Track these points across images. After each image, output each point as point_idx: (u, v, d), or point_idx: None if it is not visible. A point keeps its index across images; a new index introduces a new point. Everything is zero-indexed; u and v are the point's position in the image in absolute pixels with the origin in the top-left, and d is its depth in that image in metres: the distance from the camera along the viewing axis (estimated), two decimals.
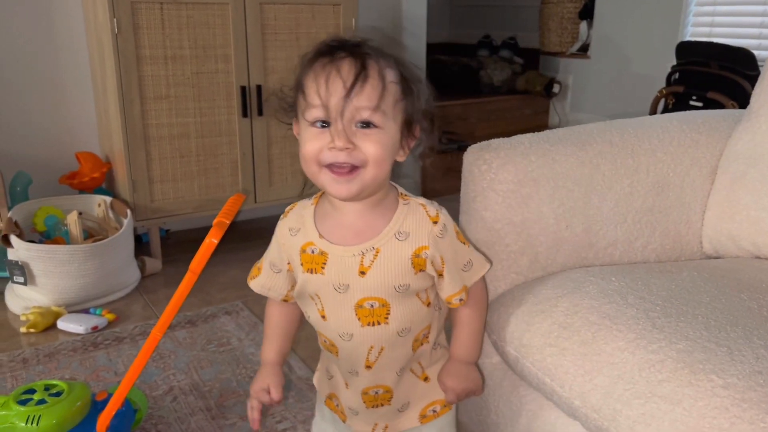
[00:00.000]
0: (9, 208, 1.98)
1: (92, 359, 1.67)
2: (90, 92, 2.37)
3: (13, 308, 1.93)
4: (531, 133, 1.14)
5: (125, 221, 2.04)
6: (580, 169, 1.10)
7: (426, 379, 0.95)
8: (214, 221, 1.03)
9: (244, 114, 2.23)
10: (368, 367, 0.89)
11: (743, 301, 0.92)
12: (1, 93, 2.24)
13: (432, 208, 0.85)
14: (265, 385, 0.96)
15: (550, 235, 1.09)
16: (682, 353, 0.79)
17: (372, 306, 0.84)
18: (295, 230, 0.87)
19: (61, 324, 1.82)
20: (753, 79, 2.61)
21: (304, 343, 1.68)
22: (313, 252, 0.84)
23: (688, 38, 3.31)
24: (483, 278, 0.93)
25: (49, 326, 1.83)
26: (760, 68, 2.47)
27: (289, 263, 0.89)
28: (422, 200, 0.86)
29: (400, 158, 0.83)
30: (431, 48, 3.47)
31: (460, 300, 0.89)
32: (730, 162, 1.20)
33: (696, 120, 1.26)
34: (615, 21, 3.65)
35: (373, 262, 0.82)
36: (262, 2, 2.18)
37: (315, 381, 1.04)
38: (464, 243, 0.89)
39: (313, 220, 0.86)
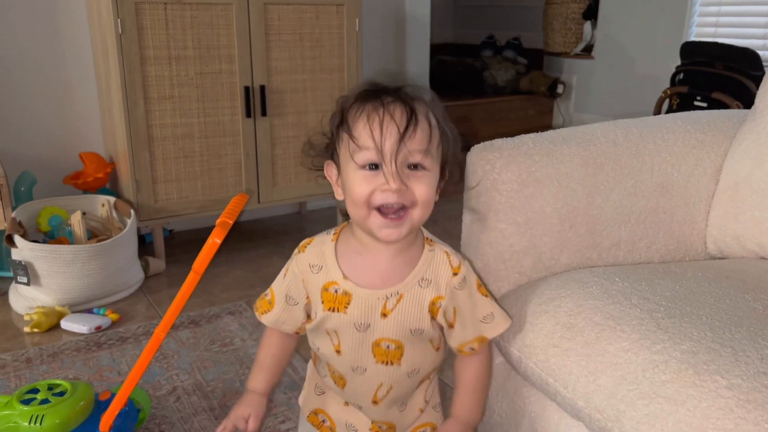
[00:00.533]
0: (13, 208, 1.99)
1: (96, 359, 1.67)
2: (94, 92, 2.37)
3: (17, 308, 1.93)
4: (534, 133, 1.14)
5: (129, 221, 2.05)
6: (584, 170, 1.10)
7: (422, 410, 0.97)
8: (217, 221, 1.03)
9: (248, 114, 2.23)
10: (375, 402, 0.91)
11: (748, 301, 0.91)
12: (6, 93, 2.24)
13: (455, 258, 0.87)
14: (247, 414, 0.95)
15: (554, 235, 1.08)
16: (687, 354, 0.79)
17: (388, 347, 0.86)
18: (317, 267, 0.87)
19: (65, 324, 1.83)
20: (758, 79, 2.60)
21: (307, 344, 1.68)
22: (336, 292, 0.85)
23: (692, 38, 3.30)
24: (491, 344, 0.95)
25: (52, 326, 1.83)
26: (765, 68, 2.47)
27: (308, 297, 0.89)
28: (446, 248, 0.88)
29: (435, 199, 0.85)
30: (435, 48, 3.47)
31: (471, 349, 0.90)
32: (735, 162, 1.19)
33: (700, 120, 1.25)
34: (619, 21, 3.64)
35: (395, 306, 0.84)
36: (266, 2, 2.18)
37: (301, 400, 1.03)
38: (485, 296, 0.89)
39: (335, 259, 0.86)
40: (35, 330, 1.80)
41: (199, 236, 2.53)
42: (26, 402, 1.17)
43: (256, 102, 2.23)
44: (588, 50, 3.90)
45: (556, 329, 0.93)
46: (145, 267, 2.17)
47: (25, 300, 1.92)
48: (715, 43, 2.84)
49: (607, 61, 3.73)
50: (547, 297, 0.99)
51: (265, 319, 0.94)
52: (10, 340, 1.77)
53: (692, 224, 1.20)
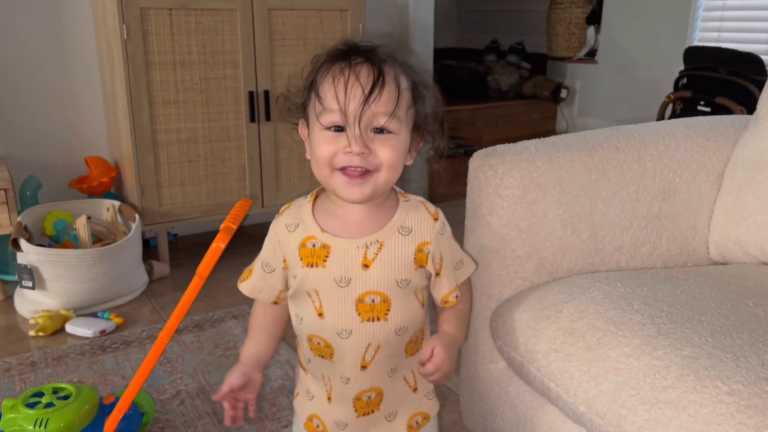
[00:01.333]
0: (19, 212, 2.00)
1: (100, 363, 1.68)
2: (99, 97, 2.39)
3: (22, 312, 1.94)
4: (537, 139, 1.14)
5: (133, 225, 2.06)
6: (586, 175, 1.11)
7: (415, 390, 0.95)
8: (222, 226, 1.03)
9: (252, 119, 2.24)
10: (363, 367, 0.88)
11: (749, 307, 0.91)
12: (12, 98, 2.26)
13: (431, 206, 0.88)
14: (241, 383, 0.91)
15: (556, 240, 1.09)
16: (688, 359, 0.79)
17: (373, 301, 0.84)
18: (293, 226, 0.87)
19: (70, 327, 1.83)
20: (761, 84, 2.60)
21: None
22: (314, 246, 0.84)
23: (696, 43, 3.30)
24: (468, 280, 0.97)
25: (57, 330, 1.84)
26: None
27: (284, 260, 0.88)
28: (420, 198, 0.89)
29: (408, 162, 0.85)
30: (439, 53, 3.47)
31: (456, 297, 0.91)
32: (737, 168, 1.19)
33: (702, 125, 1.26)
34: (622, 26, 3.64)
35: (376, 255, 0.83)
36: (270, 8, 2.19)
37: (296, 405, 1.02)
38: (455, 242, 0.91)
39: (312, 216, 0.86)
40: (40, 333, 1.81)
41: (203, 240, 2.54)
42: (31, 405, 1.18)
43: (260, 107, 2.24)
44: (591, 55, 3.90)
45: (558, 334, 0.93)
46: (150, 271, 2.18)
47: (30, 304, 1.93)
48: (719, 48, 2.84)
49: (611, 66, 3.74)
50: (549, 302, 0.99)
51: (242, 287, 0.94)
52: (15, 344, 1.78)
53: (694, 229, 1.21)
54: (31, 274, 1.87)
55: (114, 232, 2.12)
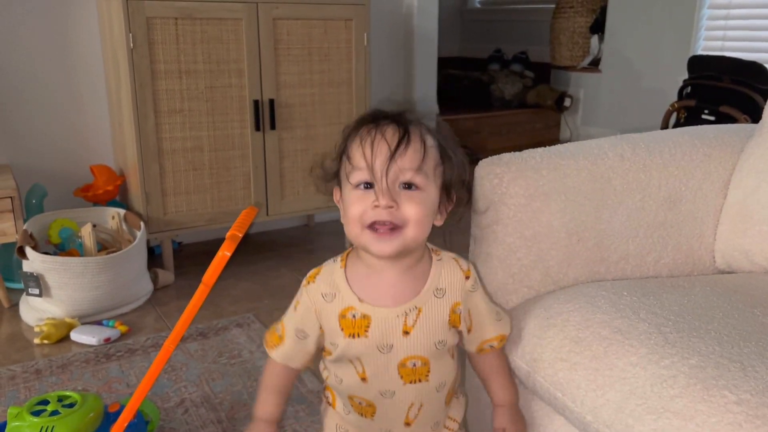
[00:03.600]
0: (24, 221, 2.00)
1: (105, 371, 1.68)
2: (105, 106, 2.40)
3: (27, 320, 1.94)
4: (542, 148, 1.14)
5: (138, 233, 2.06)
6: (592, 184, 1.11)
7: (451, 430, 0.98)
8: (227, 234, 1.04)
9: (257, 128, 2.25)
10: (407, 424, 0.90)
11: (756, 316, 0.91)
12: (18, 107, 2.27)
13: (464, 262, 0.89)
14: None
15: (562, 249, 1.09)
16: (695, 369, 0.79)
17: (414, 365, 0.86)
18: (330, 296, 0.86)
19: (74, 335, 1.84)
20: (765, 93, 2.60)
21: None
22: (354, 317, 0.85)
23: (699, 52, 3.30)
24: None
25: (62, 338, 1.84)
26: None
27: (321, 328, 0.88)
28: (453, 255, 0.90)
29: (438, 222, 0.86)
30: (442, 62, 3.48)
31: (491, 347, 0.94)
32: (743, 176, 1.19)
33: (708, 134, 1.26)
34: (626, 35, 3.65)
35: (416, 321, 0.84)
36: (275, 17, 2.20)
37: (324, 414, 1.01)
38: (487, 297, 0.93)
39: (347, 284, 0.86)
40: (45, 341, 1.81)
41: (208, 248, 2.54)
42: (36, 413, 1.18)
43: (265, 115, 2.25)
44: (595, 64, 3.91)
45: (564, 343, 0.93)
46: (155, 279, 2.19)
47: (36, 311, 1.93)
48: (723, 57, 2.85)
49: (615, 75, 3.74)
50: (555, 311, 0.99)
51: (275, 354, 0.93)
52: (20, 352, 1.79)
53: (700, 238, 1.20)
54: (37, 282, 1.87)
55: (119, 240, 2.12)
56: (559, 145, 1.17)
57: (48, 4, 2.24)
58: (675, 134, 1.25)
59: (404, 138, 0.79)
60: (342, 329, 0.85)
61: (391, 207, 0.78)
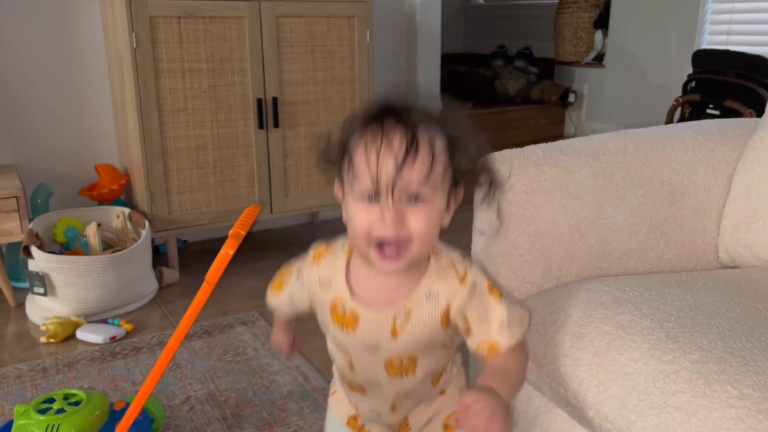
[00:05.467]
0: (30, 220, 2.01)
1: (110, 369, 1.69)
2: (109, 106, 2.41)
3: (34, 318, 1.95)
4: (544, 144, 1.14)
5: (143, 232, 2.07)
6: (594, 179, 1.10)
7: (442, 392, 0.94)
8: (230, 232, 1.04)
9: (260, 126, 2.25)
10: (393, 408, 0.91)
11: (759, 311, 0.91)
12: (23, 107, 2.28)
13: (461, 266, 0.84)
14: (283, 341, 1.06)
15: (564, 245, 1.09)
16: (697, 364, 0.79)
17: (401, 361, 0.85)
18: (326, 283, 0.86)
19: (80, 334, 1.85)
20: None
21: (321, 353, 1.68)
22: (344, 311, 0.84)
23: (704, 46, 3.29)
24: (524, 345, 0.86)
25: (68, 336, 1.85)
26: None
27: (311, 302, 0.90)
28: (452, 256, 0.85)
29: (445, 223, 0.82)
30: (446, 58, 3.48)
31: (482, 355, 0.84)
32: (746, 171, 1.19)
33: (711, 129, 1.25)
34: (630, 30, 3.64)
35: (405, 324, 0.83)
36: (278, 16, 2.21)
37: (332, 400, 1.02)
38: (499, 298, 0.83)
39: (344, 275, 0.85)
40: (51, 340, 1.82)
41: (213, 247, 2.55)
42: (42, 411, 1.18)
43: (268, 114, 2.25)
44: (599, 59, 3.89)
45: (566, 339, 0.93)
46: (159, 277, 2.19)
47: (42, 310, 1.94)
48: (728, 51, 2.83)
49: (619, 70, 3.73)
50: (558, 307, 0.99)
51: (271, 299, 0.99)
52: (26, 350, 1.80)
53: (703, 233, 1.20)
54: (42, 281, 1.88)
55: (124, 239, 2.13)
56: (561, 140, 1.17)
57: (51, 5, 2.25)
58: (678, 129, 1.25)
59: (412, 148, 0.74)
60: (332, 318, 0.86)
61: (397, 224, 0.75)
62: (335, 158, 0.81)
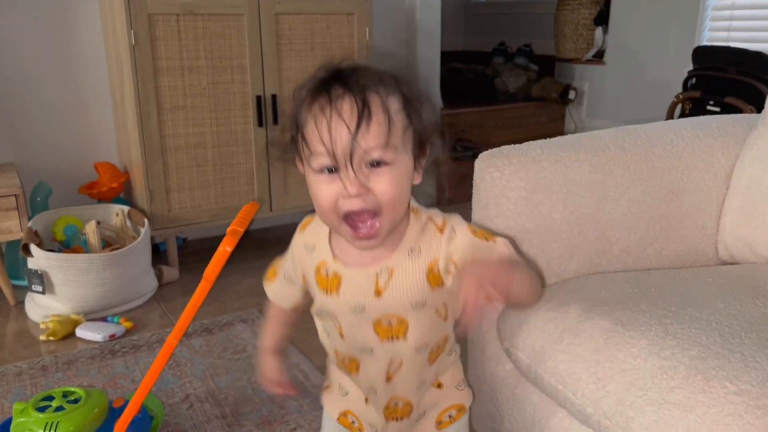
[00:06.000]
0: (29, 218, 2.01)
1: (110, 367, 1.69)
2: (108, 104, 2.40)
3: (33, 317, 1.95)
4: (543, 140, 1.14)
5: (143, 230, 2.07)
6: (593, 176, 1.10)
7: (439, 386, 0.94)
8: (228, 229, 1.04)
9: (260, 123, 2.25)
10: (389, 378, 0.88)
11: (758, 307, 0.91)
12: (22, 106, 2.28)
13: (438, 218, 0.83)
14: (274, 377, 1.01)
15: (563, 241, 1.08)
16: (696, 360, 0.78)
17: (390, 323, 0.83)
18: (310, 247, 0.86)
19: (80, 332, 1.85)
20: None
21: (318, 350, 1.68)
22: (327, 273, 0.83)
23: (705, 43, 3.28)
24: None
25: (67, 334, 1.85)
26: None
27: (303, 276, 0.89)
28: (431, 212, 0.83)
29: (417, 181, 0.80)
30: (446, 56, 3.47)
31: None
32: (746, 167, 1.19)
33: (710, 125, 1.25)
34: (630, 27, 3.63)
35: (388, 282, 0.80)
36: (278, 13, 2.20)
37: (324, 399, 1.01)
38: (486, 239, 0.81)
39: (328, 239, 0.84)
40: (50, 338, 1.82)
41: (213, 244, 2.53)
42: (41, 409, 1.18)
43: (267, 111, 2.25)
44: (599, 56, 3.88)
45: (565, 335, 0.93)
46: (159, 275, 2.19)
47: (41, 309, 1.94)
48: (728, 48, 2.82)
49: (619, 67, 3.72)
50: (556, 303, 0.99)
51: (268, 290, 0.97)
52: (26, 349, 1.80)
53: (703, 230, 1.20)
54: (41, 279, 1.88)
55: (123, 237, 2.13)
56: (560, 137, 1.17)
57: (51, 4, 2.25)
58: (677, 125, 1.25)
59: (364, 113, 0.70)
60: (317, 283, 0.85)
61: (362, 194, 0.72)
62: (289, 133, 0.78)
